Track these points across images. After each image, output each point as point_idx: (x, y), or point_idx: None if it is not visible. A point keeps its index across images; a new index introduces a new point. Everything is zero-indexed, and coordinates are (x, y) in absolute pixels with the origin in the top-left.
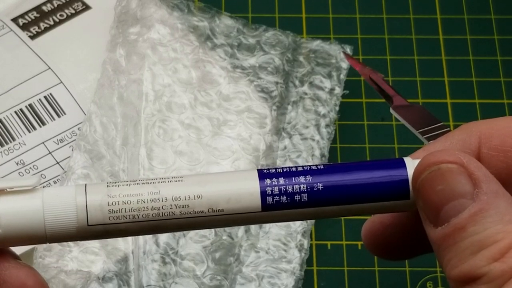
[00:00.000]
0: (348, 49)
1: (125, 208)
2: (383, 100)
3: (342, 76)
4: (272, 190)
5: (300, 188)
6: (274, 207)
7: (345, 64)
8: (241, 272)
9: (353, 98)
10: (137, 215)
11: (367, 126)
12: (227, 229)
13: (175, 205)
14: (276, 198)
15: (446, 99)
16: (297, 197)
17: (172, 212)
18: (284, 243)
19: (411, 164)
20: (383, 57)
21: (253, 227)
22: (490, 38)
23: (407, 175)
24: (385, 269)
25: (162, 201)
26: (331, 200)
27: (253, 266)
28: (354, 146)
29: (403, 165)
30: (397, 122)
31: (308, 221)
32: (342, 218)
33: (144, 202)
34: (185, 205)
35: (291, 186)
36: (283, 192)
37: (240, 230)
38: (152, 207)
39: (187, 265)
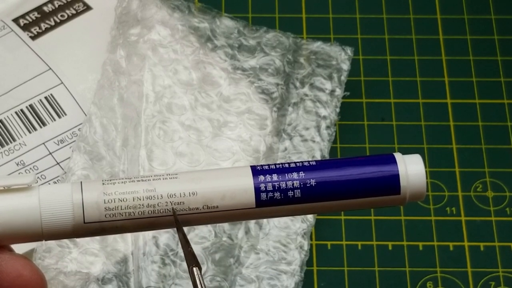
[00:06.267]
0: (349, 51)
1: (121, 206)
2: (383, 100)
3: (342, 78)
4: (266, 187)
5: (293, 184)
6: (268, 203)
7: (345, 66)
8: (241, 273)
9: (353, 99)
10: (133, 212)
11: (367, 126)
12: (227, 230)
13: (170, 202)
14: (270, 194)
15: (446, 99)
16: (290, 193)
17: (167, 209)
18: (284, 245)
19: (401, 159)
20: (383, 57)
21: (253, 229)
22: (490, 38)
23: (398, 170)
24: (385, 269)
25: (158, 198)
26: (324, 195)
27: (253, 267)
28: (354, 146)
29: (393, 161)
30: (397, 122)
31: (308, 222)
32: (342, 218)
33: (140, 199)
34: (180, 202)
35: (284, 182)
36: (276, 188)
37: (240, 232)
38: (148, 204)
39: (187, 267)
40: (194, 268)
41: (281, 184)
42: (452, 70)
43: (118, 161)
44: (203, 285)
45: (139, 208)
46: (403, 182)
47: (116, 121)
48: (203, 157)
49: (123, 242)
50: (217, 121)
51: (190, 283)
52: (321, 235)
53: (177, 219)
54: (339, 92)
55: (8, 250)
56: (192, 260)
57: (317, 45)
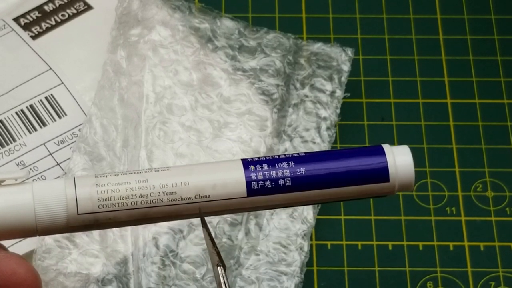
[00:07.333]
0: (350, 52)
1: (114, 196)
2: (383, 100)
3: (343, 79)
4: (256, 176)
5: (283, 173)
6: (259, 192)
7: (346, 67)
8: (241, 274)
9: (353, 99)
10: (125, 202)
11: (367, 126)
12: (227, 231)
13: (162, 192)
14: (261, 183)
15: (446, 99)
16: (281, 181)
17: (160, 199)
18: (284, 246)
19: (389, 150)
20: (383, 57)
21: (253, 230)
22: (490, 38)
23: (386, 160)
24: (385, 269)
25: (150, 188)
26: (314, 184)
27: (253, 269)
28: (354, 146)
29: (382, 152)
30: (397, 122)
31: (308, 223)
32: (342, 218)
33: (132, 190)
34: (173, 192)
35: (274, 171)
36: (267, 177)
37: (240, 233)
38: (140, 194)
39: (187, 268)
40: (219, 267)
41: (271, 173)
42: (452, 70)
43: (118, 162)
44: (227, 285)
45: (132, 198)
46: (391, 170)
47: (116, 121)
48: (203, 158)
49: (123, 243)
50: (218, 122)
51: (190, 284)
52: (321, 235)
53: (205, 221)
54: (339, 93)
55: (2, 249)
56: (216, 259)
57: (317, 46)
